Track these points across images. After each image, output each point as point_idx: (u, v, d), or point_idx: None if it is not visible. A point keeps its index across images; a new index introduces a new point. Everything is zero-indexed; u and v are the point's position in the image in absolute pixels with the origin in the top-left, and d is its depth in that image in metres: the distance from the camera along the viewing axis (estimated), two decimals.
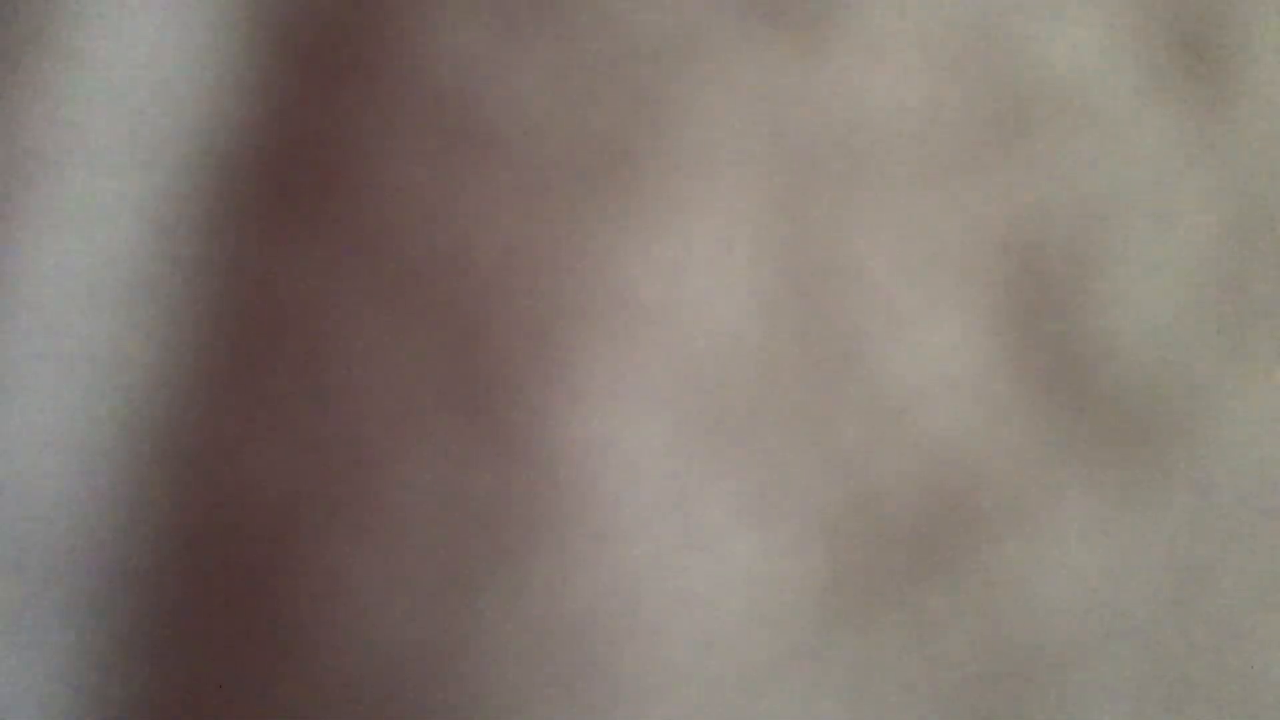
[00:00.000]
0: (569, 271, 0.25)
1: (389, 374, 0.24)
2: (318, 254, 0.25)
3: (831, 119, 0.26)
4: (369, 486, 0.24)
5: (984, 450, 0.25)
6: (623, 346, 0.25)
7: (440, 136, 0.25)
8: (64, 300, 0.24)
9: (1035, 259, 0.26)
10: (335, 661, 0.24)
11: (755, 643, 0.24)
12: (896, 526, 0.25)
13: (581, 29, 0.25)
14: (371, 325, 0.24)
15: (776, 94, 0.26)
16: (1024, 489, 0.25)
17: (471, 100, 0.25)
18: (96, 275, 0.24)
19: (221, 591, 0.24)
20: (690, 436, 0.25)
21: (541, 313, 0.25)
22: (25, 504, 0.24)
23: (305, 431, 0.24)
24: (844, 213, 0.25)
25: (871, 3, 0.26)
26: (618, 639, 0.24)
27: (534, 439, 0.24)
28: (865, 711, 0.24)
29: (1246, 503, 0.25)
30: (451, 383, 0.24)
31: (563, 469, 0.24)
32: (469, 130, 0.25)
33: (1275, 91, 0.27)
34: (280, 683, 0.24)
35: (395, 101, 0.25)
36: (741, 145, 0.25)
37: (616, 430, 0.24)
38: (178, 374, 0.24)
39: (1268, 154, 0.26)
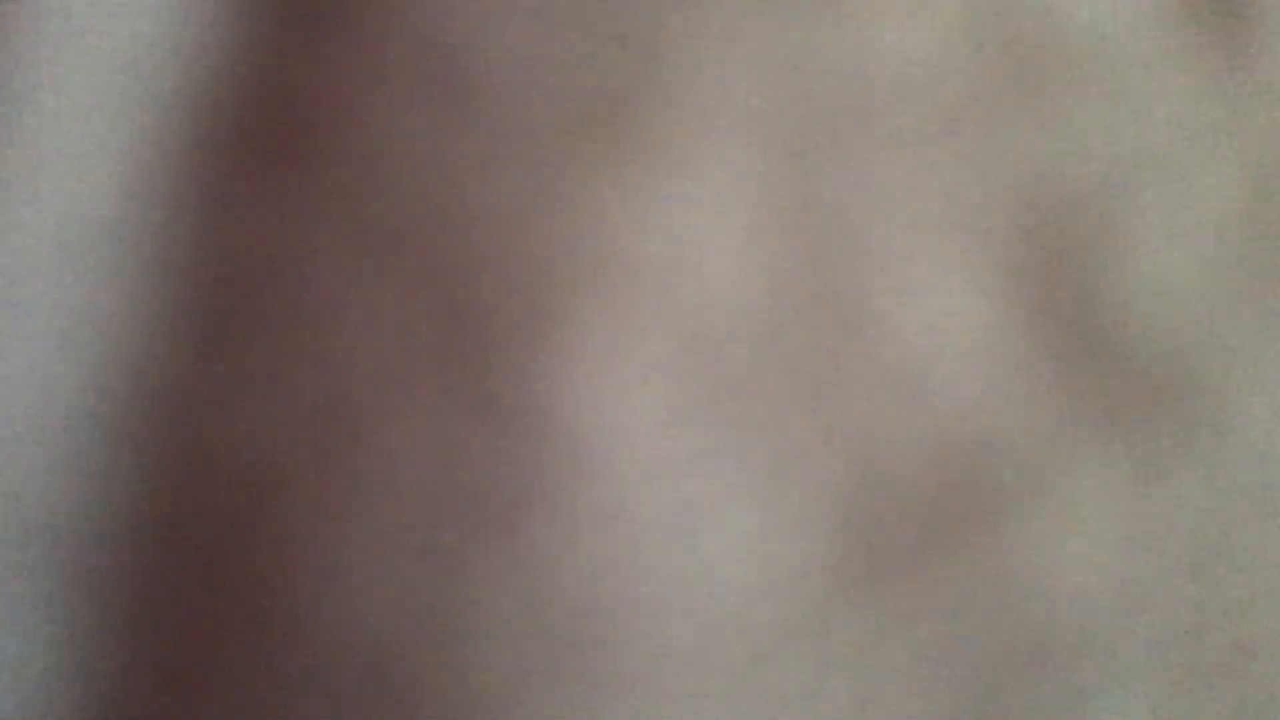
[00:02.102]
0: (564, 229, 0.24)
1: (376, 335, 0.24)
2: (303, 209, 0.24)
3: (839, 73, 0.25)
4: (356, 453, 0.24)
5: (996, 419, 0.25)
6: (620, 309, 0.24)
7: (430, 88, 0.24)
8: (38, 257, 0.24)
9: (1050, 219, 0.25)
10: (321, 635, 0.23)
11: (758, 618, 0.24)
12: (905, 498, 0.24)
13: None
14: (358, 284, 0.24)
15: (781, 46, 0.25)
16: (1038, 459, 0.25)
17: (462, 50, 0.25)
18: (72, 229, 0.24)
19: (203, 561, 0.23)
20: (691, 404, 0.24)
21: (535, 272, 0.24)
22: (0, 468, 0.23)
23: (289, 395, 0.24)
24: (851, 170, 0.25)
25: None
26: (616, 614, 0.24)
27: (528, 405, 0.24)
28: (870, 689, 0.24)
29: (1268, 474, 0.25)
30: (442, 344, 0.24)
31: (558, 437, 0.24)
32: (459, 81, 0.25)
33: None
34: (265, 655, 0.23)
35: (383, 52, 0.25)
36: (744, 99, 0.25)
37: (614, 396, 0.24)
38: (156, 332, 0.24)
39: None
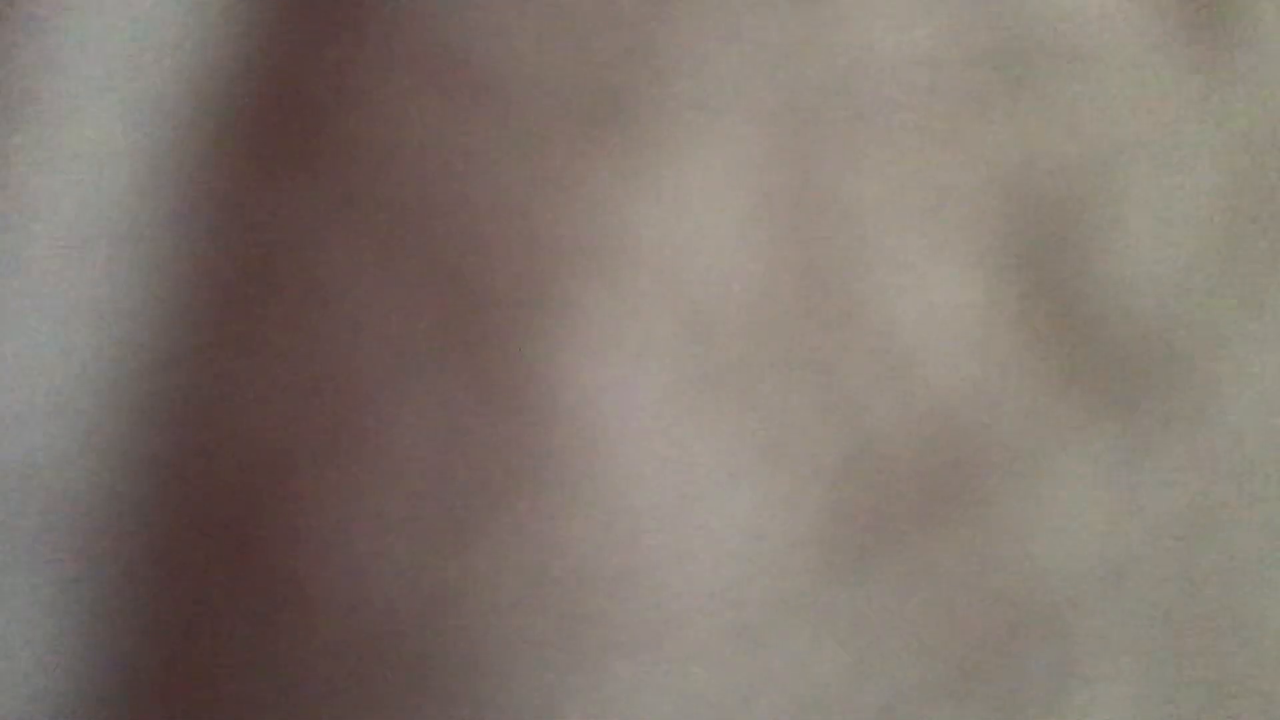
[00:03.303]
0: (567, 218, 0.25)
1: (384, 320, 0.24)
2: (312, 200, 0.24)
3: (833, 64, 0.26)
4: (363, 434, 0.24)
5: (987, 399, 0.25)
6: (621, 293, 0.25)
7: (435, 81, 0.25)
8: (53, 245, 0.24)
9: (1041, 206, 0.25)
10: (328, 609, 0.23)
11: (754, 593, 0.24)
12: (898, 476, 0.25)
13: None
14: (366, 271, 0.24)
15: (777, 38, 0.25)
16: (1028, 438, 0.25)
17: (467, 44, 0.25)
18: (86, 221, 0.24)
19: (214, 540, 0.24)
20: (689, 384, 0.24)
21: (539, 259, 0.25)
22: (12, 452, 0.24)
23: (298, 379, 0.24)
24: (846, 159, 0.25)
25: None
26: (615, 589, 0.24)
27: (531, 386, 0.24)
28: (864, 662, 0.24)
29: (1252, 454, 0.25)
30: (447, 329, 0.24)
31: (560, 416, 0.24)
32: (464, 75, 0.25)
33: None
34: (273, 632, 0.23)
35: (389, 46, 0.25)
36: (742, 90, 0.25)
37: (614, 378, 0.24)
38: (169, 320, 0.24)
39: (1275, 101, 0.26)
